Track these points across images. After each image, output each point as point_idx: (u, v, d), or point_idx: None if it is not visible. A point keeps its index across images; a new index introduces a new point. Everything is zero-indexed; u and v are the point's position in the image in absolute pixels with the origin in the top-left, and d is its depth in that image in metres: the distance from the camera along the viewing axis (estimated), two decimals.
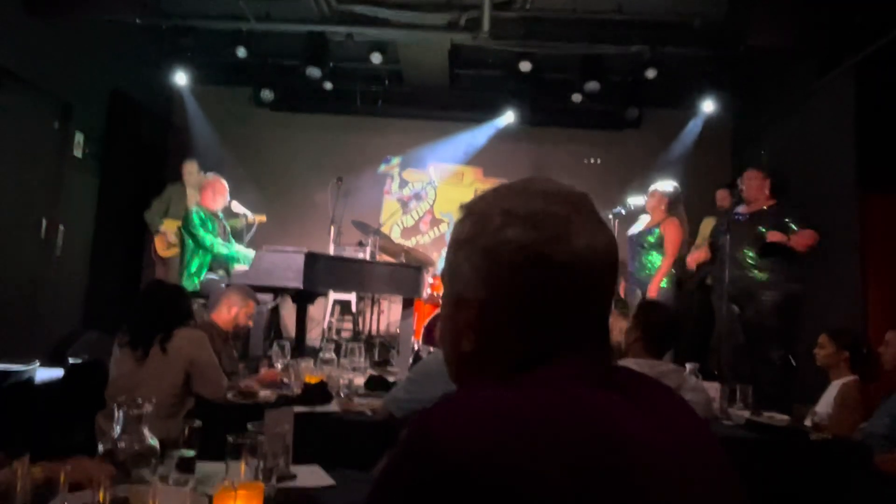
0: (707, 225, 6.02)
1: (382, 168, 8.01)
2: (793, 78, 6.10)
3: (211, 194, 5.69)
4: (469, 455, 0.65)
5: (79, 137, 5.82)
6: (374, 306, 6.66)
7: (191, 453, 1.77)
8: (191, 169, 6.03)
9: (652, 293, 5.09)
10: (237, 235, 6.01)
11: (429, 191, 7.98)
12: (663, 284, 5.18)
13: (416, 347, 5.72)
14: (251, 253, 5.11)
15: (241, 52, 6.28)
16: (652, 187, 5.44)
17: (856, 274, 4.95)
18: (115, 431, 1.33)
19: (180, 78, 6.89)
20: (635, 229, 5.46)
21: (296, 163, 7.63)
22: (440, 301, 6.07)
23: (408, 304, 5.74)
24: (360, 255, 6.04)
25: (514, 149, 7.55)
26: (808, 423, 3.18)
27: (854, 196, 5.02)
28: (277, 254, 4.46)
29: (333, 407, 2.95)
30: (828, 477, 2.79)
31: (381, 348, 5.97)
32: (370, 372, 3.79)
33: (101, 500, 1.27)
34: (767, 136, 6.63)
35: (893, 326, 3.64)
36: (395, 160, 8.01)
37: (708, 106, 6.94)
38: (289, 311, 6.39)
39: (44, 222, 5.44)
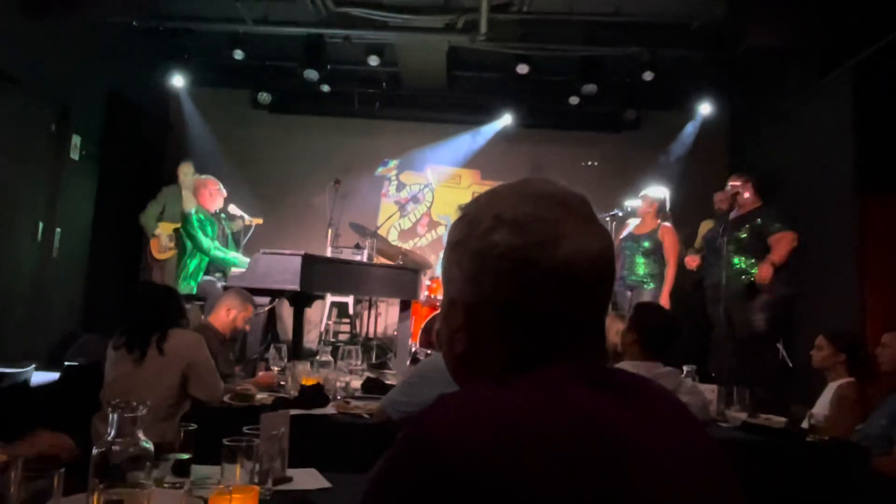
0: (706, 227, 6.04)
1: (380, 170, 8.01)
2: (791, 80, 6.10)
3: (207, 195, 5.71)
4: (465, 456, 0.65)
5: (76, 140, 5.81)
6: (372, 309, 6.66)
7: (186, 456, 1.76)
8: (186, 170, 6.02)
9: (665, 302, 5.24)
10: (234, 238, 6.01)
11: (426, 193, 7.98)
12: (651, 286, 5.29)
13: (413, 350, 5.72)
14: (247, 261, 5.11)
15: (239, 54, 6.29)
16: (643, 192, 5.50)
17: (853, 275, 4.96)
18: (109, 434, 1.33)
19: (178, 80, 6.89)
20: (624, 232, 5.53)
21: (293, 165, 7.62)
22: (437, 303, 6.10)
23: (405, 307, 5.74)
24: (358, 258, 6.03)
25: (512, 151, 7.56)
26: (805, 424, 3.18)
27: (852, 198, 5.02)
28: (275, 256, 4.46)
29: (330, 409, 2.94)
30: (825, 478, 2.79)
31: (378, 351, 5.98)
32: (367, 374, 3.79)
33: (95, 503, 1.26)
34: (765, 138, 6.63)
35: (890, 328, 3.64)
36: (393, 162, 8.01)
37: (706, 108, 6.97)
38: (286, 314, 6.39)
39: (41, 225, 5.43)
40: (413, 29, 5.90)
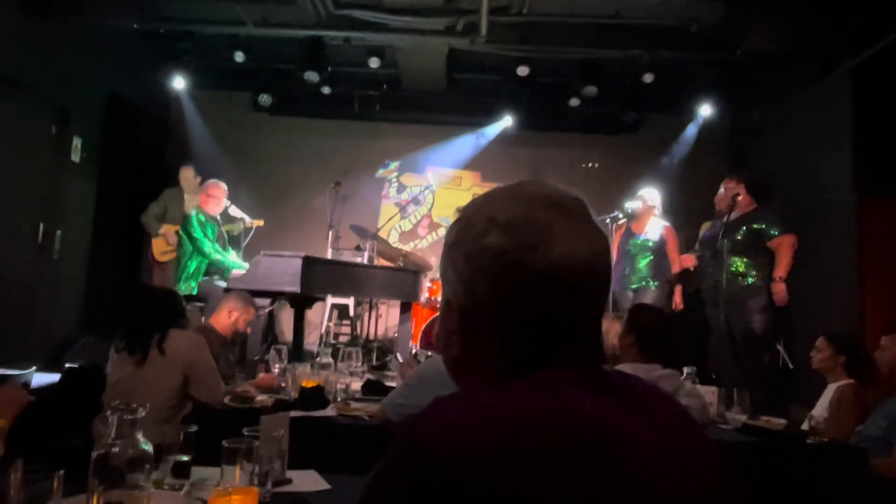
0: (706, 229, 6.05)
1: (380, 172, 8.01)
2: (790, 82, 6.11)
3: (210, 198, 5.71)
4: (461, 457, 0.65)
5: (76, 142, 5.82)
6: (372, 310, 6.66)
7: (186, 458, 1.77)
8: (187, 174, 6.04)
9: (679, 301, 5.40)
10: (234, 240, 6.02)
11: (427, 195, 7.98)
12: (654, 285, 5.32)
13: (413, 351, 5.72)
14: (246, 266, 5.12)
15: (239, 56, 6.29)
16: (639, 193, 5.53)
17: (852, 277, 4.96)
18: (109, 436, 1.33)
19: (178, 82, 6.90)
20: (625, 233, 5.55)
21: (294, 167, 7.62)
22: (438, 305, 6.10)
23: (406, 309, 5.75)
24: (358, 260, 6.04)
25: (512, 153, 7.56)
26: (804, 426, 3.18)
27: (851, 199, 5.03)
28: (275, 258, 4.46)
29: (330, 411, 2.94)
30: (824, 480, 2.79)
31: (378, 352, 5.97)
32: (367, 376, 3.79)
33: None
34: (765, 140, 6.64)
35: (890, 330, 3.64)
36: (393, 164, 8.02)
37: (705, 110, 6.97)
38: (286, 315, 6.40)
39: (41, 227, 5.44)
40: (413, 31, 5.90)
